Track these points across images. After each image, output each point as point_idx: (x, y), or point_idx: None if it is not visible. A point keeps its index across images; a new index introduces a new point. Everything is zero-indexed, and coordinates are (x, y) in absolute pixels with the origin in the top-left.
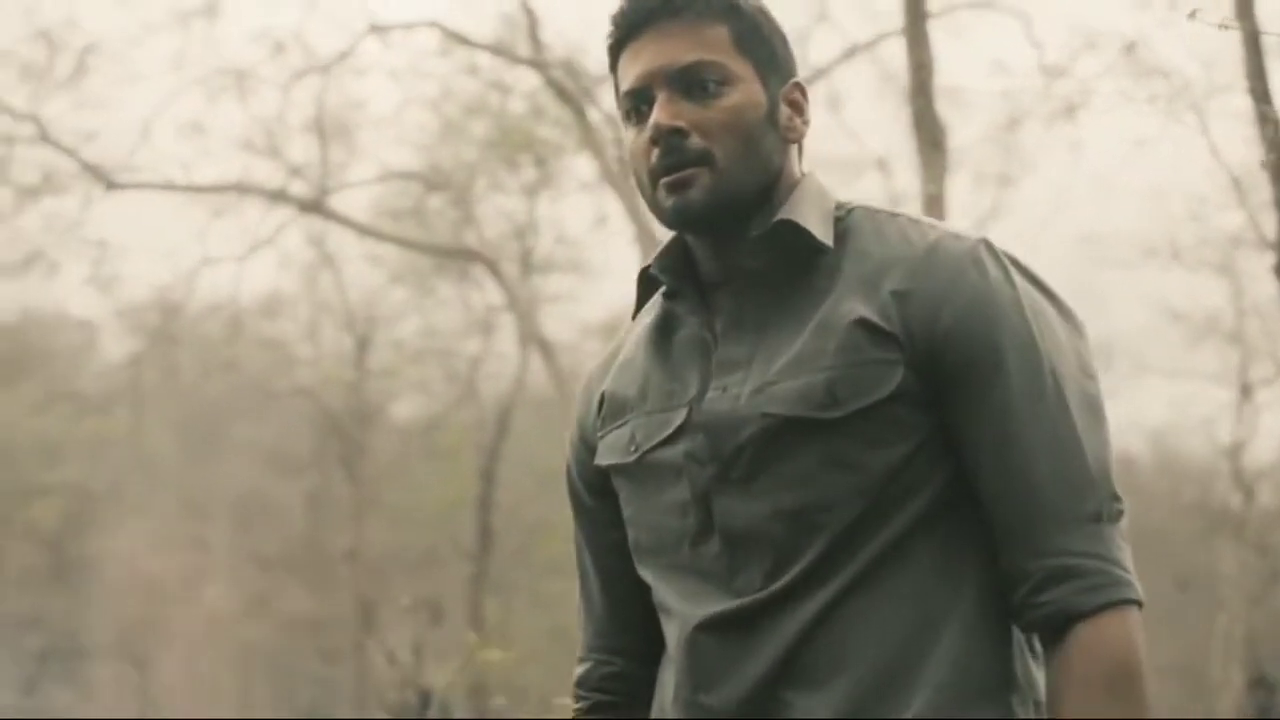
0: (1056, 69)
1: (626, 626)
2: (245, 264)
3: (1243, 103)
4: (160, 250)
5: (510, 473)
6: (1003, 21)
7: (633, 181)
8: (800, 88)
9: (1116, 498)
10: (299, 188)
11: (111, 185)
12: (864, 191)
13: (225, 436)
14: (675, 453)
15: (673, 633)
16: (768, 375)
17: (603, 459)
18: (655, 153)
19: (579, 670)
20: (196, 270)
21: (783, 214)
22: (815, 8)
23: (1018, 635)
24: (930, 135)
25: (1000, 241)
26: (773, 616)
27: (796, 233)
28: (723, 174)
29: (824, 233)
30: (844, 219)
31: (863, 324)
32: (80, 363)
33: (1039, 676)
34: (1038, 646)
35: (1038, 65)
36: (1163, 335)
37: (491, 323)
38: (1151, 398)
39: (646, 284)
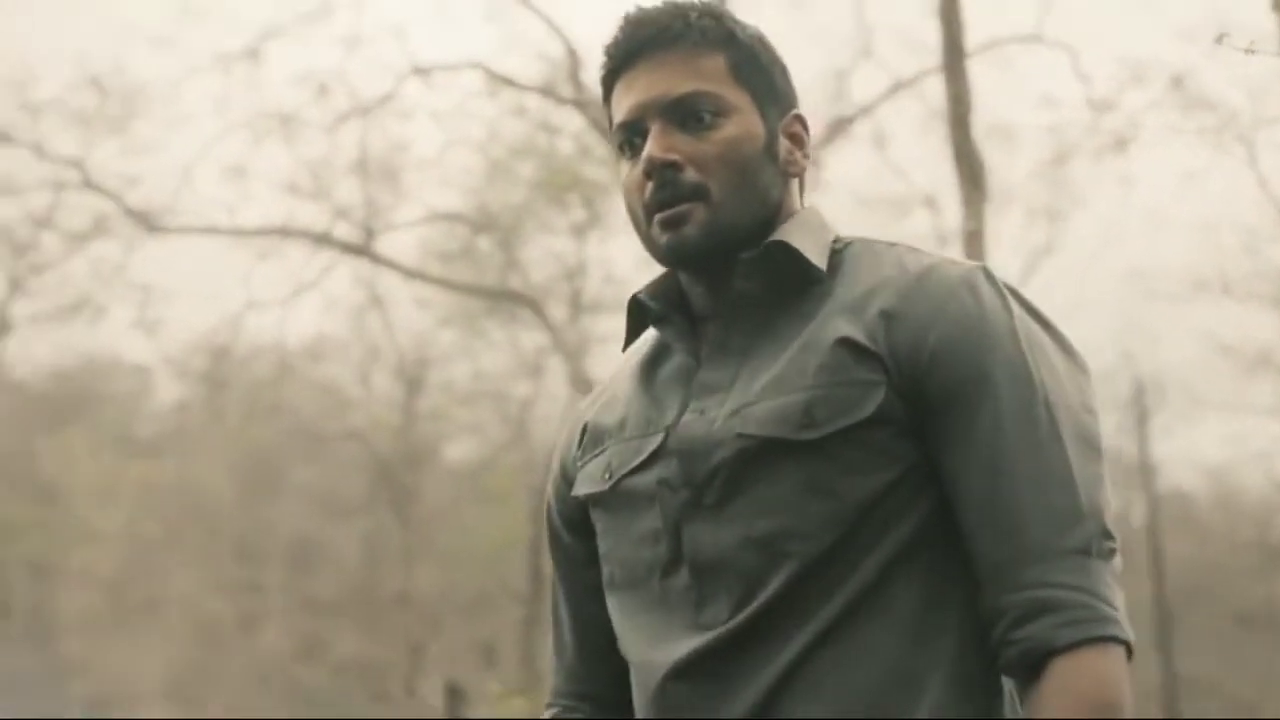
0: (1104, 103)
1: (597, 673)
2: (292, 307)
3: None
4: (206, 294)
5: None
6: (1050, 55)
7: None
8: (801, 120)
9: (1109, 535)
10: (344, 230)
11: (155, 229)
12: (911, 230)
13: (278, 480)
14: (649, 479)
15: (641, 689)
16: (747, 397)
17: (579, 488)
18: (649, 187)
19: (546, 715)
20: (242, 314)
21: (776, 236)
22: (859, 44)
23: (1008, 684)
24: (970, 170)
25: (1051, 276)
26: (742, 661)
27: (789, 255)
28: (718, 209)
29: (818, 257)
30: (841, 250)
31: (846, 343)
32: (134, 407)
33: None
34: None
35: (1085, 99)
36: (1215, 369)
37: (541, 364)
38: (1206, 433)
39: (637, 312)
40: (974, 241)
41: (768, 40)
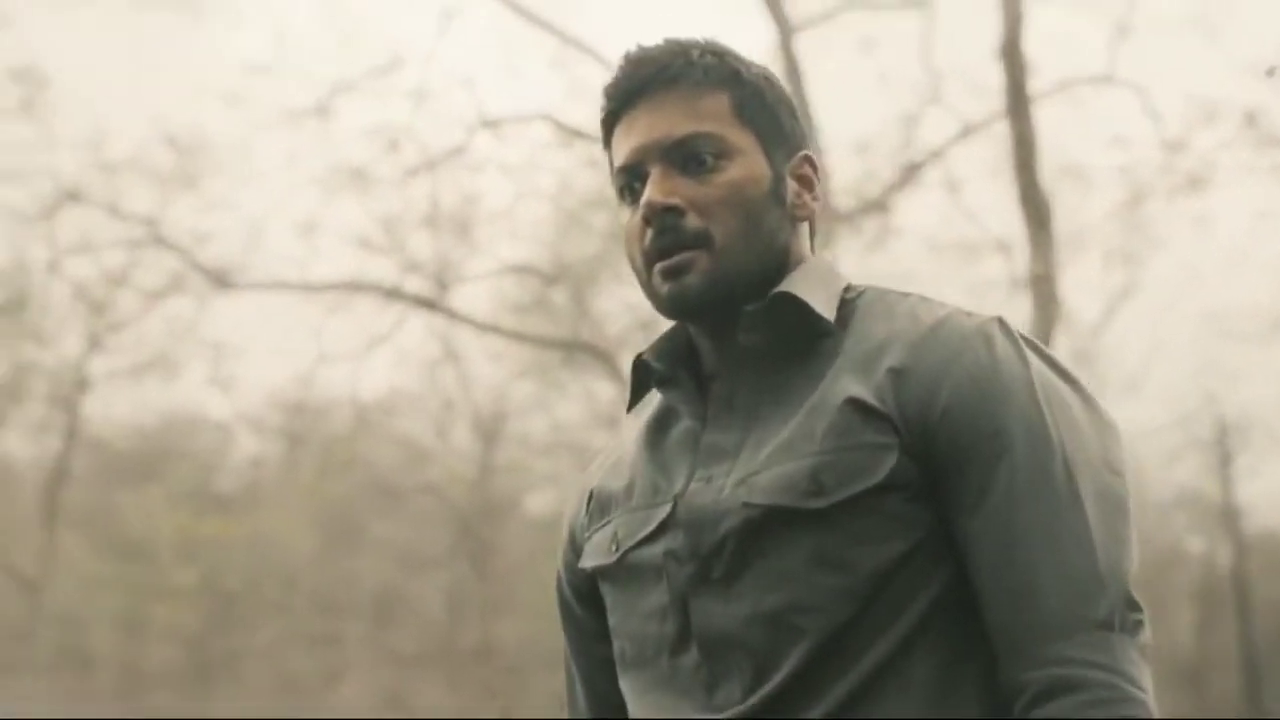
0: (1177, 142)
1: None
2: (364, 362)
3: None
4: (279, 349)
5: None
6: (1121, 95)
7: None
8: (810, 161)
9: (1134, 606)
10: (416, 284)
11: (227, 285)
12: (984, 275)
13: (357, 534)
14: (655, 552)
15: None
16: (754, 464)
17: (586, 560)
18: (649, 234)
19: None
20: (315, 368)
21: (782, 287)
22: (927, 89)
23: None
24: (1036, 214)
25: (1130, 319)
26: None
27: (795, 307)
28: (721, 256)
29: (826, 309)
30: (853, 300)
31: (854, 404)
32: (214, 463)
33: None
34: None
35: (1158, 139)
36: None
37: (616, 415)
38: None
39: (641, 373)
40: (1042, 285)
41: (775, 78)
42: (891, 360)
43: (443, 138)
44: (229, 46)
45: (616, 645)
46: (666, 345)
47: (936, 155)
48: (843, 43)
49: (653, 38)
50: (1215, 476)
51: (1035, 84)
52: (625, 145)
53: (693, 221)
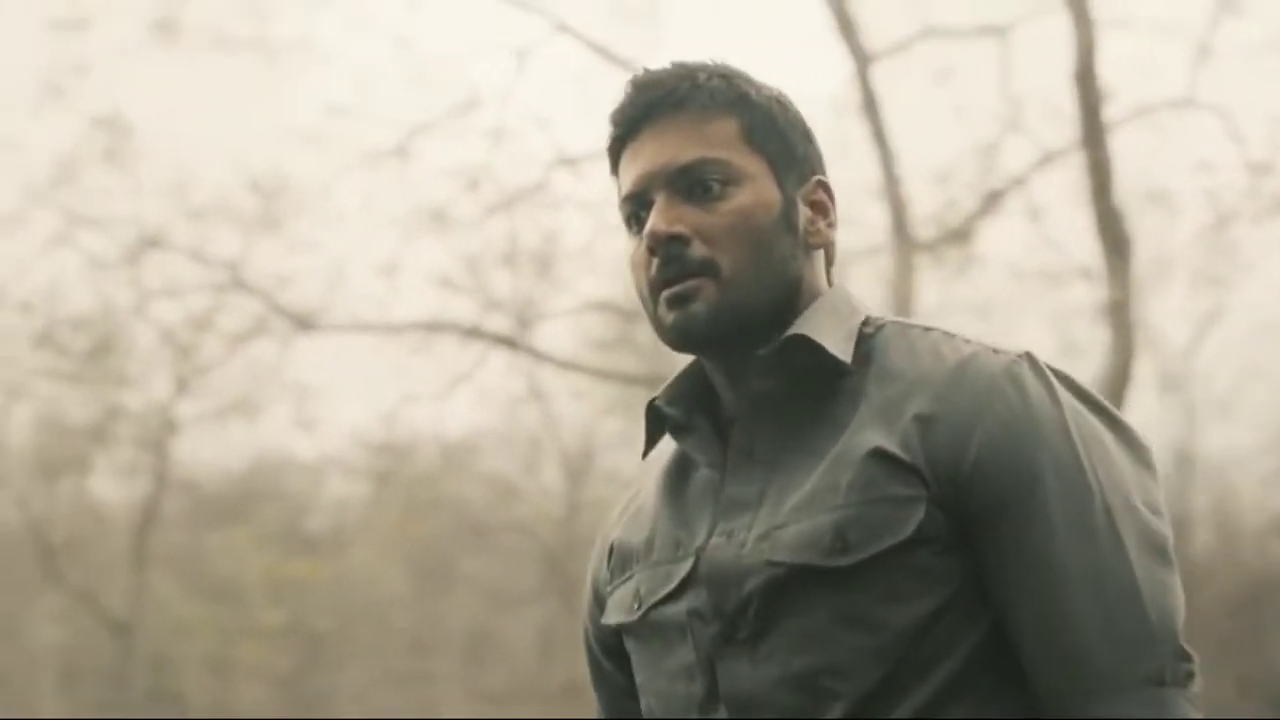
0: (1262, 165)
1: None
2: (447, 401)
3: None
4: (362, 390)
5: None
6: (1203, 118)
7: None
8: (825, 186)
9: (1185, 656)
10: (497, 322)
11: (309, 327)
12: (1068, 302)
13: (447, 572)
14: (679, 609)
15: None
16: (776, 518)
17: (610, 617)
18: (654, 264)
19: None
20: (399, 408)
21: (795, 328)
22: (1006, 117)
23: None
24: (1113, 240)
25: (1221, 345)
26: None
27: (810, 349)
28: (729, 285)
29: (843, 350)
30: (872, 336)
31: (879, 455)
32: (302, 504)
33: None
34: None
35: (1243, 162)
36: None
37: None
38: None
39: (656, 419)
40: (1119, 312)
41: (788, 101)
42: (917, 407)
43: (521, 176)
44: (308, 89)
45: (644, 702)
46: (682, 388)
47: (1018, 183)
48: (920, 72)
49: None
50: None
51: (1114, 109)
52: (630, 173)
53: (698, 250)
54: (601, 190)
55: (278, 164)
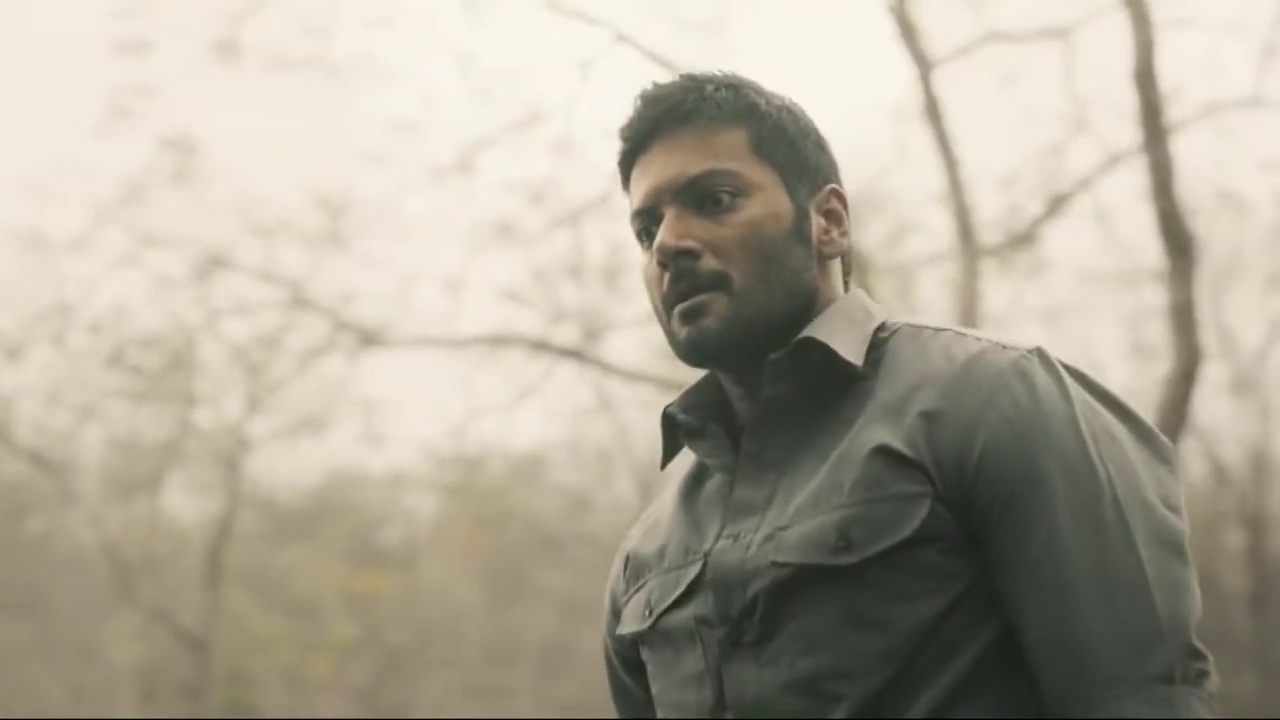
0: None
1: None
2: (517, 414)
3: None
4: (430, 405)
5: None
6: (1270, 118)
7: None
8: (838, 194)
9: (1197, 655)
10: (563, 334)
11: (376, 343)
12: (1139, 305)
13: (521, 585)
14: (686, 615)
15: None
16: (782, 519)
17: (624, 627)
18: (666, 279)
19: None
20: (467, 422)
21: (806, 332)
22: (1072, 118)
23: None
24: (1176, 241)
25: None
26: None
27: (820, 353)
28: (740, 298)
29: (854, 353)
30: (886, 340)
31: (884, 452)
32: (375, 518)
33: None
34: None
35: None
36: None
37: None
38: None
39: (671, 426)
40: (1183, 313)
41: (799, 110)
42: (923, 404)
43: (586, 188)
44: (371, 107)
45: (659, 713)
46: (696, 397)
47: (1084, 185)
48: (983, 76)
49: (796, 82)
50: None
51: (1180, 109)
52: (640, 187)
53: (709, 263)
54: None
55: (343, 181)
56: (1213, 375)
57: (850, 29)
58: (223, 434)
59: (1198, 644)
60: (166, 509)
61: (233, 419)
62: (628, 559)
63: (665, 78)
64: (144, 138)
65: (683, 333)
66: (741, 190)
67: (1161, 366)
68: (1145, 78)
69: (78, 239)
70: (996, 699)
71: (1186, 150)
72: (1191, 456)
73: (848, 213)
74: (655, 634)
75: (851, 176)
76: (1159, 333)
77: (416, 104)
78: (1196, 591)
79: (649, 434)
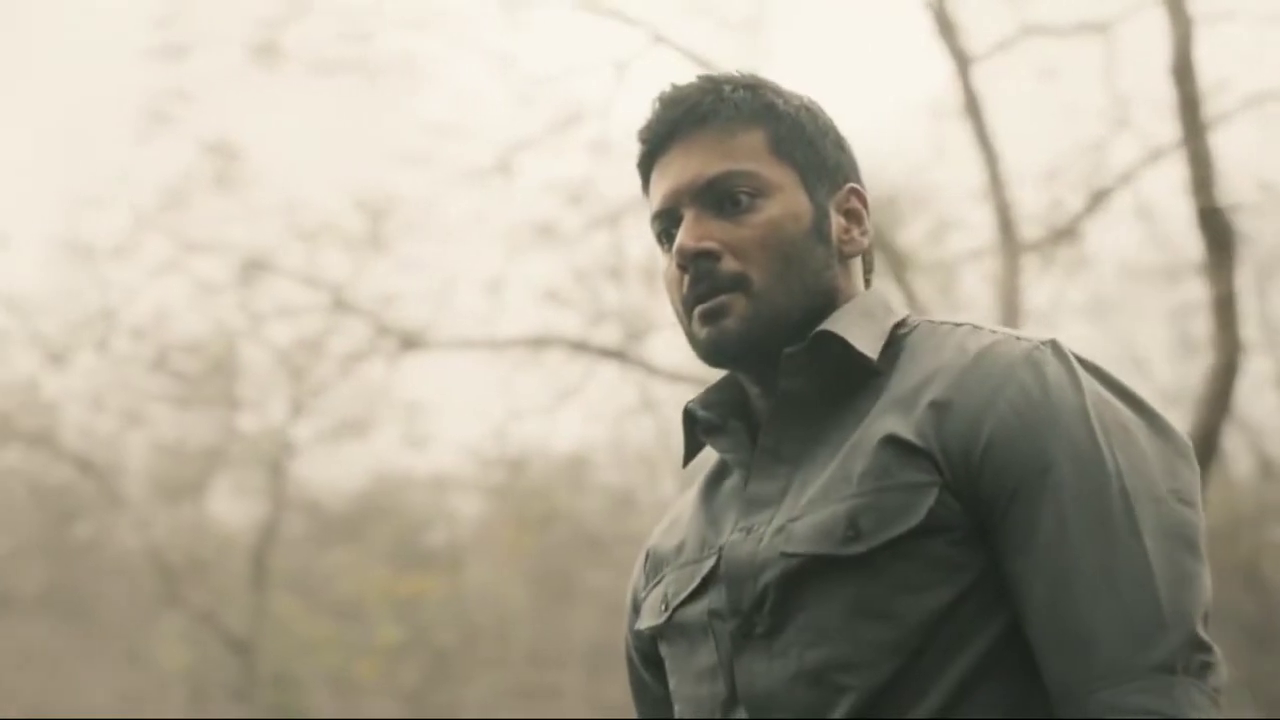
0: None
1: None
2: (559, 414)
3: None
4: (472, 407)
5: None
6: None
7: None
8: (858, 194)
9: (1202, 647)
10: (604, 335)
11: (417, 345)
12: (1184, 299)
13: (567, 586)
14: (700, 609)
15: None
16: (794, 510)
17: (641, 622)
18: (685, 280)
19: None
20: (509, 424)
21: (824, 326)
22: (1114, 114)
23: None
24: (1215, 234)
25: None
26: None
27: (837, 346)
28: (760, 299)
29: (870, 347)
30: (904, 336)
31: (892, 442)
32: (419, 520)
33: None
34: None
35: None
36: None
37: None
38: None
39: (692, 423)
40: (1225, 307)
41: (817, 109)
42: (933, 394)
43: (624, 188)
44: (410, 109)
45: (676, 709)
46: (717, 394)
47: (1126, 180)
48: (1022, 71)
49: (835, 80)
50: None
51: (1222, 102)
52: (660, 190)
53: (729, 265)
54: None
55: (383, 184)
56: (1258, 369)
57: (889, 26)
58: (266, 438)
59: (1204, 636)
60: (212, 513)
61: (276, 423)
62: (648, 555)
63: None
64: (185, 143)
65: (703, 334)
66: (760, 191)
67: (1206, 361)
68: (1183, 71)
69: (120, 245)
70: (1005, 693)
71: (1230, 143)
72: (1236, 450)
73: (868, 211)
74: (671, 628)
75: (892, 173)
76: (1203, 328)
77: (455, 106)
78: (1207, 584)
79: None
